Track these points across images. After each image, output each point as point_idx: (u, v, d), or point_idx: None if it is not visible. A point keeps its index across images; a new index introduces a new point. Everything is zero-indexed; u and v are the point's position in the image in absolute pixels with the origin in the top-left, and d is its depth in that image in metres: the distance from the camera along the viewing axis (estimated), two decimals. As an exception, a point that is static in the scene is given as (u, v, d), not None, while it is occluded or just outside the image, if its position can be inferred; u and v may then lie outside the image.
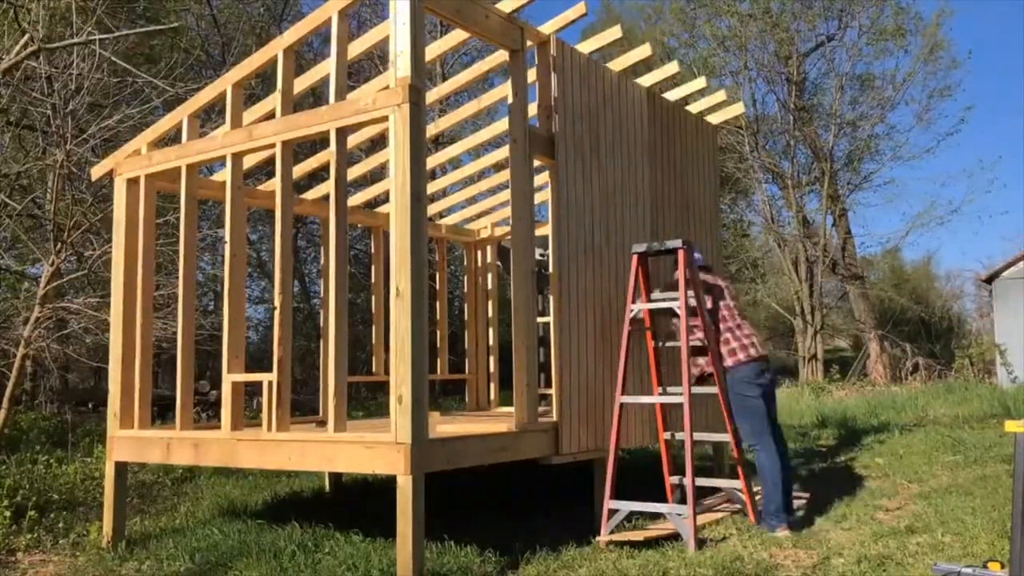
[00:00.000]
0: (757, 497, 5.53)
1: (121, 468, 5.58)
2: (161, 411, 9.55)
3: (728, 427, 5.44)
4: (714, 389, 5.41)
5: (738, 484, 5.50)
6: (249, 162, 6.07)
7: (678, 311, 5.23)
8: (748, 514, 5.40)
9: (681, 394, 5.16)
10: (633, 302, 5.46)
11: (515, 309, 5.07)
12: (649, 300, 5.54)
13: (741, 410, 5.38)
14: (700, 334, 5.44)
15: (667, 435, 5.63)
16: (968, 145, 55.69)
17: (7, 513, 5.53)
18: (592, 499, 5.52)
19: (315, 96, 12.73)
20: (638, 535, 5.04)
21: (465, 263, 8.88)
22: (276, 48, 5.04)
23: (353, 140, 6.28)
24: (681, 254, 5.31)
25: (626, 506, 5.12)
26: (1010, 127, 55.06)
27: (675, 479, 5.61)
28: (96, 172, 6.07)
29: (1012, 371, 17.33)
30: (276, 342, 4.74)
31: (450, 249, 12.27)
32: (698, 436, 5.51)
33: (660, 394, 5.57)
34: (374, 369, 7.79)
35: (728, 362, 5.42)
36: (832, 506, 5.88)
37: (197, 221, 5.67)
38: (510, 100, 5.20)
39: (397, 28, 4.34)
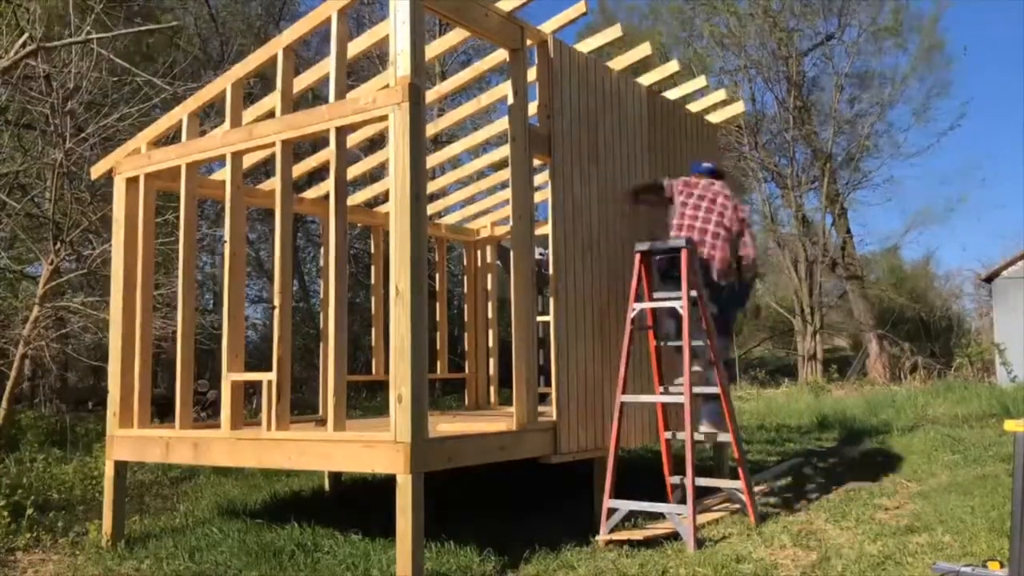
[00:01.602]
0: (757, 488, 5.53)
1: (120, 467, 5.57)
2: (160, 411, 9.54)
3: (727, 417, 5.45)
4: (715, 389, 5.46)
5: (738, 484, 5.48)
6: (249, 161, 6.06)
7: (680, 310, 5.23)
8: (748, 514, 5.38)
9: (682, 393, 5.17)
10: (636, 300, 5.45)
11: (515, 309, 5.07)
12: (651, 299, 5.54)
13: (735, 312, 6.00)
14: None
15: (668, 434, 5.63)
16: (967, 142, 55.71)
17: (6, 512, 5.52)
18: (592, 498, 5.52)
19: (315, 96, 12.73)
20: (637, 534, 5.03)
21: (465, 263, 8.88)
22: (275, 47, 5.04)
23: (353, 139, 6.27)
24: (684, 253, 5.30)
25: (625, 505, 5.12)
26: (1009, 123, 55.07)
27: (675, 479, 5.58)
28: (95, 171, 6.06)
29: (1011, 370, 17.32)
30: (276, 341, 4.73)
31: (450, 249, 12.26)
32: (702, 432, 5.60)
33: (661, 393, 5.56)
34: (374, 369, 7.79)
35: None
36: (832, 505, 5.89)
37: (197, 220, 5.66)
38: (510, 99, 5.19)
39: (397, 27, 4.33)
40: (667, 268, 5.61)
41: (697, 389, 5.37)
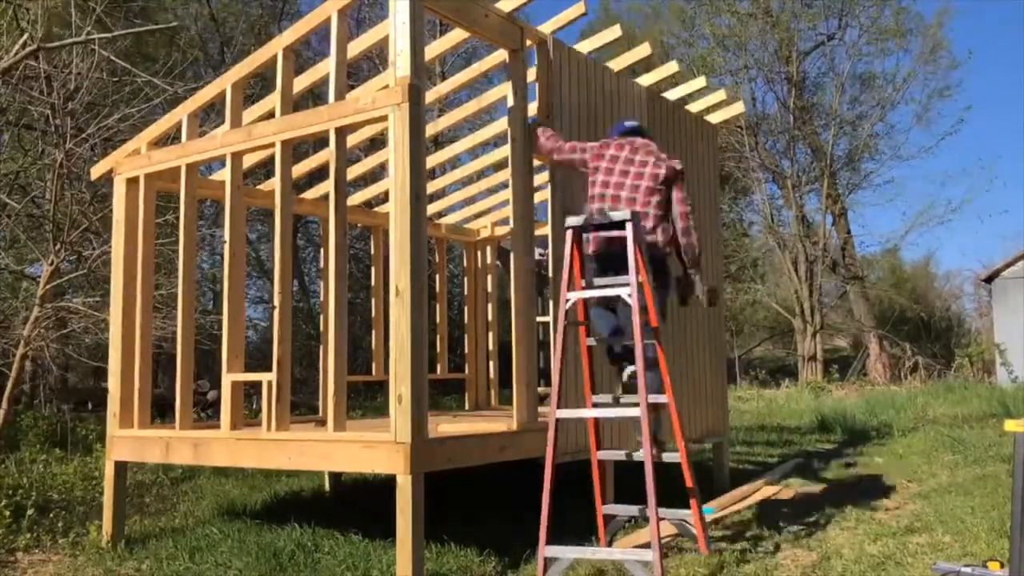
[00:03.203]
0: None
1: (120, 467, 5.57)
2: (160, 411, 9.55)
3: (679, 438, 4.50)
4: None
5: (687, 513, 4.60)
6: (249, 162, 6.06)
7: (628, 300, 4.35)
8: (699, 546, 4.57)
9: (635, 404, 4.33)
10: (568, 289, 4.52)
11: (515, 309, 5.06)
12: (585, 288, 4.59)
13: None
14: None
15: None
16: (968, 143, 55.81)
17: (7, 513, 5.52)
18: (592, 499, 5.50)
19: (315, 96, 12.72)
20: None
21: (465, 263, 8.88)
22: (276, 47, 5.04)
23: (353, 140, 6.27)
24: (629, 227, 4.40)
25: (569, 553, 4.22)
26: (1010, 124, 55.14)
27: (609, 508, 4.79)
28: (96, 172, 6.07)
29: (1011, 371, 17.33)
30: (276, 342, 4.73)
31: (450, 249, 12.25)
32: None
33: (593, 404, 4.68)
34: (374, 369, 7.79)
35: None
36: (832, 506, 5.88)
37: (197, 221, 5.66)
38: (510, 100, 5.19)
39: (397, 27, 4.33)
40: (603, 251, 4.74)
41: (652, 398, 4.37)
